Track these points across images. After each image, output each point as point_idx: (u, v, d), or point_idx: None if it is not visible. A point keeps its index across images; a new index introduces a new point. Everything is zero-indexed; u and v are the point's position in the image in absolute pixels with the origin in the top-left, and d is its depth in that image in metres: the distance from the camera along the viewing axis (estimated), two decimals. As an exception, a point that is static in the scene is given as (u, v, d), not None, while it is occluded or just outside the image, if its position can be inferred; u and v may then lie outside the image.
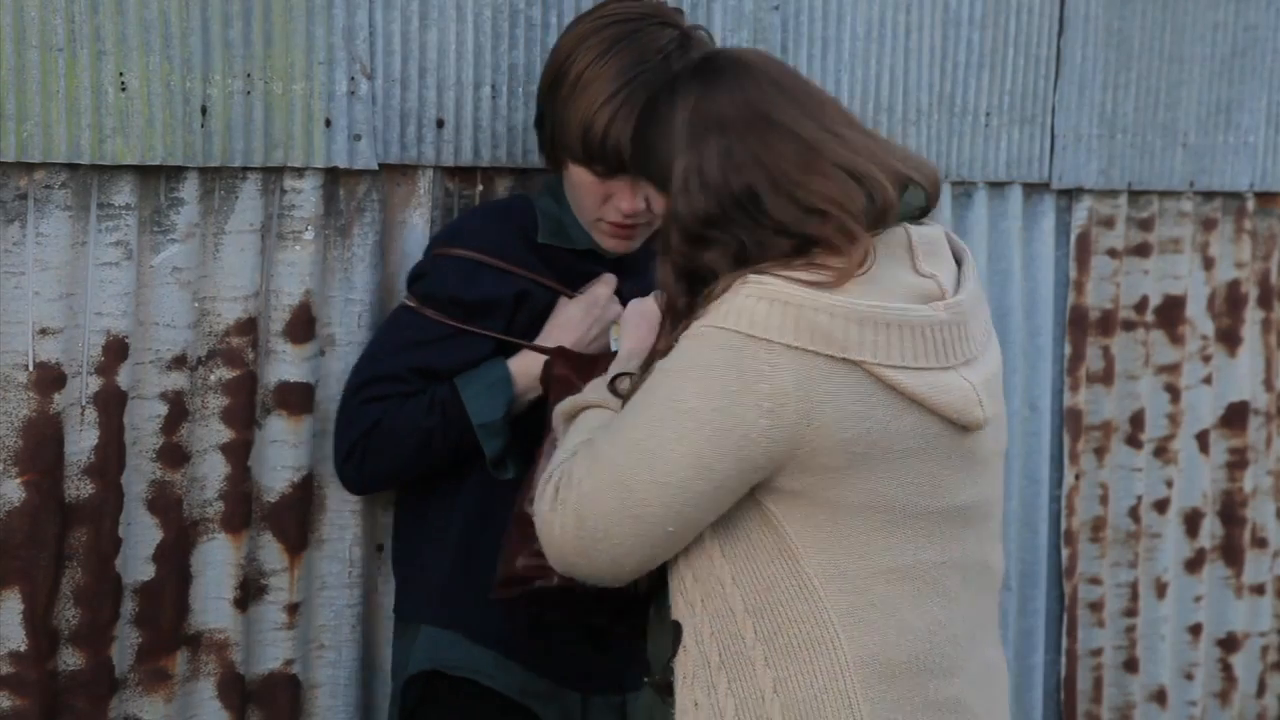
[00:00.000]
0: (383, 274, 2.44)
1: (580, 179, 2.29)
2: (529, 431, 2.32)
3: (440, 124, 2.46)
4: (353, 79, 2.35)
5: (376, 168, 2.40)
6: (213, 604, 2.34)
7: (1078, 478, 3.34)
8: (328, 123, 2.34)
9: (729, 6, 2.75)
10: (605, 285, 2.35)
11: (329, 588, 2.44)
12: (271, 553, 2.39)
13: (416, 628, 2.37)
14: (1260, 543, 3.65)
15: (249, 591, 2.37)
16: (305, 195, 2.35)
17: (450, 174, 2.51)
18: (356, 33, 2.35)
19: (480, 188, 2.53)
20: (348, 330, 2.41)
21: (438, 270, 2.33)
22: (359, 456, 2.32)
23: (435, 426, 2.28)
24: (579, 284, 2.37)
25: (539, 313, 2.33)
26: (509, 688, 2.31)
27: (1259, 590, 3.65)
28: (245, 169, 2.30)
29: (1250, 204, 3.55)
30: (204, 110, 2.23)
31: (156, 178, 2.24)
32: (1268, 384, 3.64)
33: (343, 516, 2.43)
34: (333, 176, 2.38)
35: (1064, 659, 3.35)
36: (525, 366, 2.31)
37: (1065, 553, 3.33)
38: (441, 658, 2.32)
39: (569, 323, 2.31)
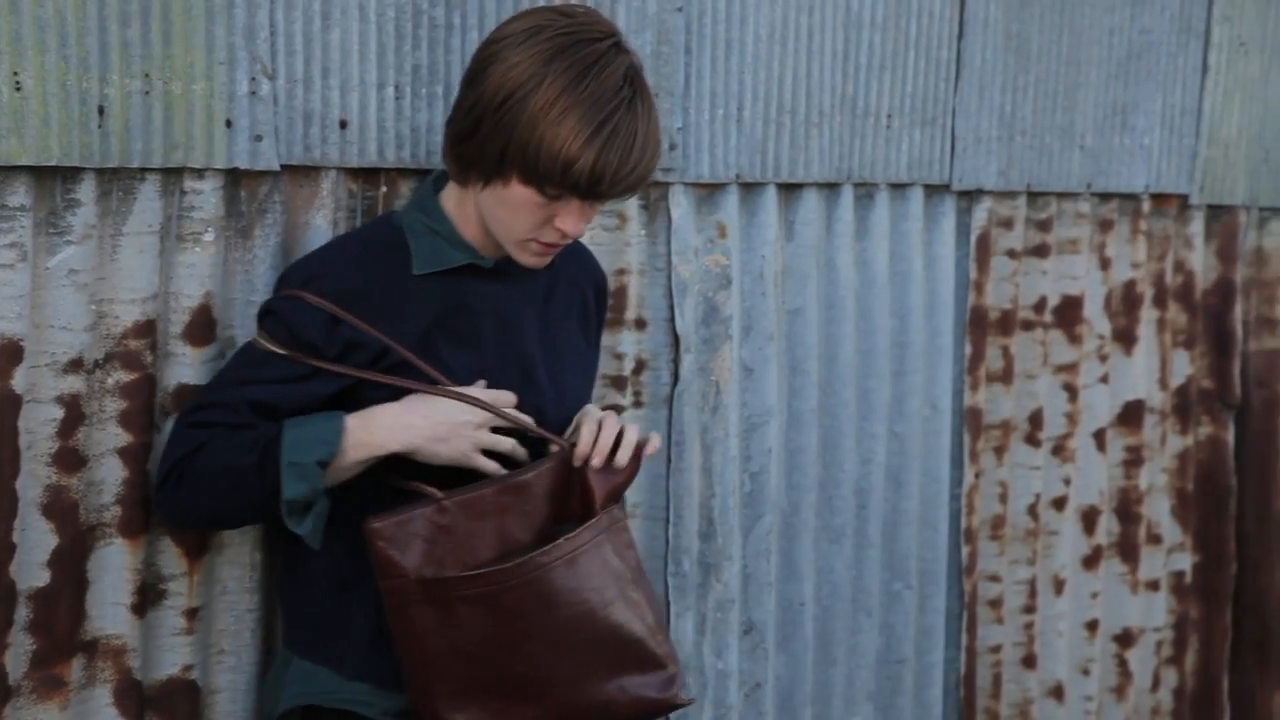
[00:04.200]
0: (284, 275, 2.42)
1: (524, 200, 2.19)
2: (345, 500, 2.24)
3: (343, 125, 2.44)
4: (254, 79, 2.33)
5: (278, 169, 2.37)
6: (110, 610, 2.31)
7: (977, 476, 3.38)
8: (228, 123, 2.31)
9: (633, 8, 2.75)
10: (495, 397, 2.26)
11: (230, 592, 2.42)
12: (170, 558, 2.36)
13: (289, 658, 2.33)
14: (1155, 539, 3.71)
15: (147, 597, 2.34)
16: (205, 196, 2.32)
17: (354, 175, 2.49)
18: (257, 32, 2.33)
19: (384, 189, 2.52)
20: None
21: (292, 312, 2.21)
22: (174, 482, 2.21)
23: (251, 465, 2.16)
24: (463, 305, 2.28)
25: (396, 366, 2.24)
26: (387, 712, 2.28)
27: (1154, 586, 3.71)
28: (144, 170, 2.27)
29: (1145, 205, 3.60)
30: (101, 110, 2.20)
31: (52, 179, 2.20)
32: (1163, 383, 3.69)
33: (243, 520, 2.41)
34: (234, 178, 2.36)
35: (964, 656, 3.39)
36: (366, 431, 2.19)
37: (965, 551, 3.36)
38: (316, 691, 2.29)
39: (427, 416, 2.21)
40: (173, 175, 2.30)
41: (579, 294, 2.47)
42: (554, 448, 2.29)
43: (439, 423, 2.21)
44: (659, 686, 2.29)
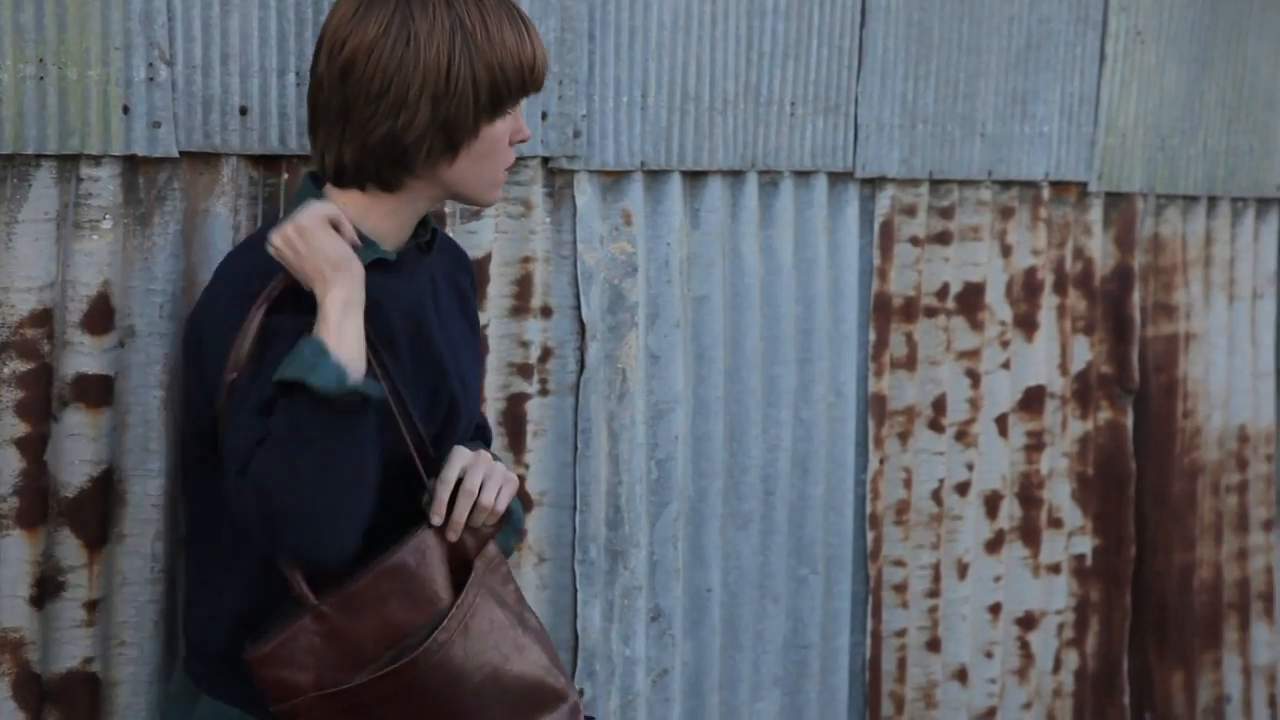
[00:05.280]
0: (185, 264, 2.39)
1: (498, 135, 2.19)
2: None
3: (244, 111, 2.41)
4: (151, 65, 2.30)
5: (177, 155, 2.35)
6: (7, 602, 2.28)
7: (882, 462, 3.40)
8: (125, 109, 2.28)
9: (536, -6, 2.75)
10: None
11: (130, 584, 2.39)
12: (70, 549, 2.33)
13: (195, 694, 2.23)
14: (1056, 523, 3.75)
15: (46, 589, 2.31)
16: (103, 184, 2.29)
17: (254, 162, 2.47)
18: (154, 17, 2.30)
19: (285, 176, 2.50)
20: (148, 321, 2.36)
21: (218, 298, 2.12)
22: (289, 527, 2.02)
23: (312, 430, 2.00)
24: (377, 304, 2.16)
25: None
26: None
27: (1055, 569, 3.75)
28: (39, 156, 2.24)
29: (1045, 193, 3.64)
30: (-5, 96, 2.17)
31: (-55, 165, 2.17)
32: (1063, 368, 3.73)
33: (144, 511, 2.38)
34: (132, 164, 2.33)
35: (869, 640, 3.41)
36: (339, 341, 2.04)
37: (870, 536, 3.39)
38: None
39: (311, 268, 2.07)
40: (69, 162, 2.27)
41: (456, 285, 2.40)
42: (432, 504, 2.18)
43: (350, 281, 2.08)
44: (564, 719, 2.25)
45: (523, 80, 2.19)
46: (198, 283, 2.40)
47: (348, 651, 2.09)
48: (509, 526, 2.29)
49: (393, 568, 2.12)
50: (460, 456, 2.22)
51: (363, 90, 2.13)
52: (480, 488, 2.19)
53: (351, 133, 2.15)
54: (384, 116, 2.14)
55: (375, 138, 2.14)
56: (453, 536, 2.17)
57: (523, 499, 2.82)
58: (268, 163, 2.48)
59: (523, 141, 2.24)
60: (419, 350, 2.24)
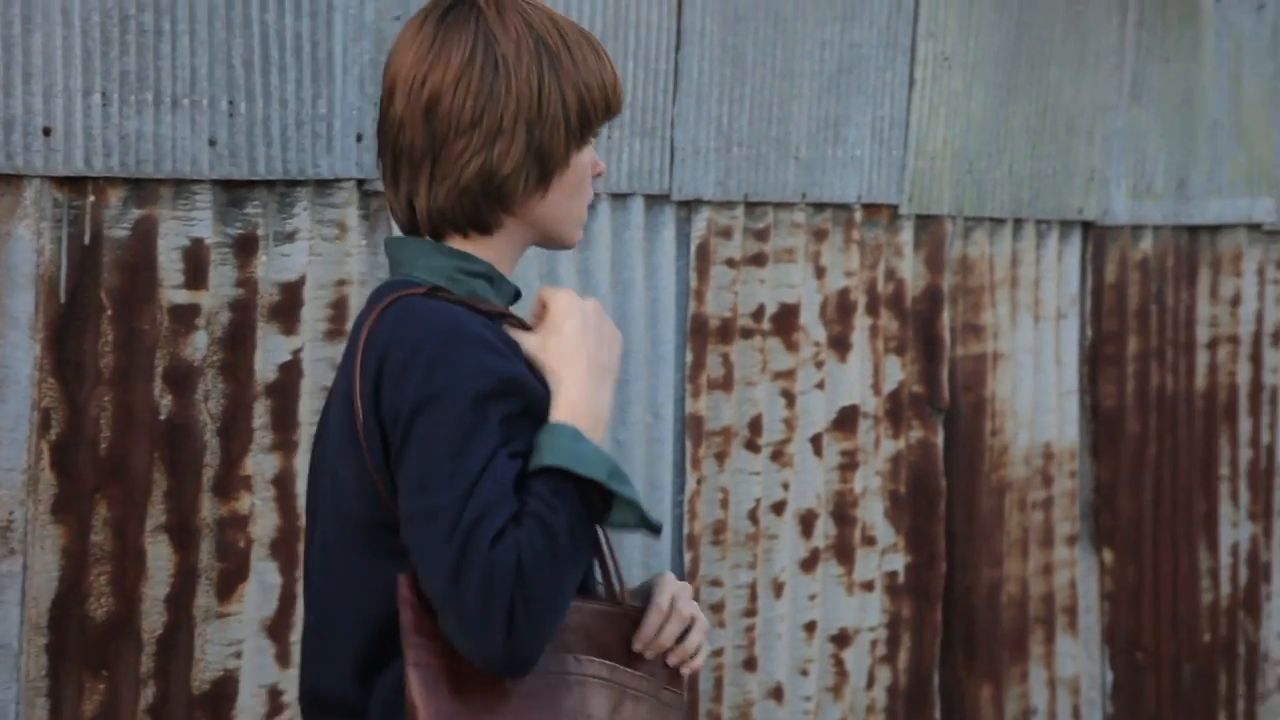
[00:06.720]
0: (-15, 288, 2.32)
1: (585, 163, 2.06)
2: None
3: (47, 132, 2.35)
4: (-50, 84, 2.23)
5: (-23, 177, 2.28)
6: None
7: (699, 483, 3.42)
8: (-78, 130, 2.21)
9: (350, 15, 2.71)
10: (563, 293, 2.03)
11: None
12: None
13: None
14: (869, 541, 3.80)
15: None
16: (-102, 206, 2.22)
17: (59, 184, 2.40)
18: (-46, 35, 2.23)
19: (92, 198, 2.43)
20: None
21: (463, 359, 1.90)
22: (522, 618, 1.85)
23: (575, 523, 1.91)
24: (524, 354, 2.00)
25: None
26: None
27: (868, 587, 3.80)
28: None
29: (858, 215, 3.69)
30: None
31: None
32: (875, 388, 3.79)
33: (-57, 545, 2.30)
34: (-72, 186, 2.26)
35: (687, 660, 3.42)
36: (574, 410, 1.94)
37: (688, 556, 3.40)
38: None
39: (568, 351, 1.96)
40: None
41: None
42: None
43: (591, 348, 1.99)
44: None
45: (607, 102, 2.06)
46: (1, 309, 2.33)
47: None
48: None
49: (606, 612, 2.04)
50: (671, 583, 2.11)
51: (453, 124, 2.00)
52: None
53: (442, 172, 2.01)
54: (478, 149, 2.01)
55: (470, 173, 2.00)
56: (650, 654, 2.06)
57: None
58: (73, 185, 2.41)
59: (599, 176, 2.12)
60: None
